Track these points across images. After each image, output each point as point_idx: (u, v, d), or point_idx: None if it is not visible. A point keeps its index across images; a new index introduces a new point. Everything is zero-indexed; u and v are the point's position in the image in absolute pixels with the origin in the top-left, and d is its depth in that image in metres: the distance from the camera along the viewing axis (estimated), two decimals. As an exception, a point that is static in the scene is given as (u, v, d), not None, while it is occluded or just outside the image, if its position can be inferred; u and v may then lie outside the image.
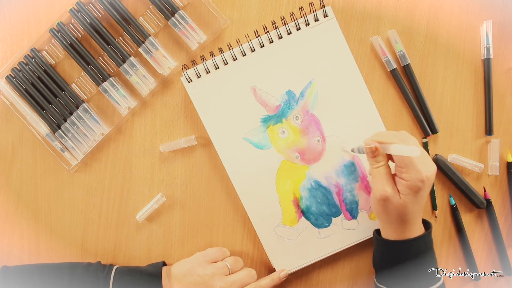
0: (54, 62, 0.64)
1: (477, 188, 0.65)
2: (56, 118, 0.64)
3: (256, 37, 0.62)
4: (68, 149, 0.65)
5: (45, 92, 0.63)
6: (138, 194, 0.66)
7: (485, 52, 0.63)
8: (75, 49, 0.63)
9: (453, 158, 0.64)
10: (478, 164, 0.64)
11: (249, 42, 0.62)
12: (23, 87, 0.63)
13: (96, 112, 0.65)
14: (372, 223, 0.63)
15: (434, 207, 0.65)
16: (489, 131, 0.64)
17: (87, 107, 0.64)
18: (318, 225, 0.64)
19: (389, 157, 0.55)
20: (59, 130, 0.64)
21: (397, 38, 0.63)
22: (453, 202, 0.65)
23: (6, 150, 0.65)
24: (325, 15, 0.62)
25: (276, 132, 0.63)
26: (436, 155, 0.64)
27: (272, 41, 0.63)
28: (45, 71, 0.63)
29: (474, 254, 0.65)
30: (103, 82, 0.63)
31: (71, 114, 0.64)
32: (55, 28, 0.63)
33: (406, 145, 0.51)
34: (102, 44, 0.62)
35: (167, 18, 0.62)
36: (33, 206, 0.66)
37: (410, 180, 0.51)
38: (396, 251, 0.56)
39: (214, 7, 0.63)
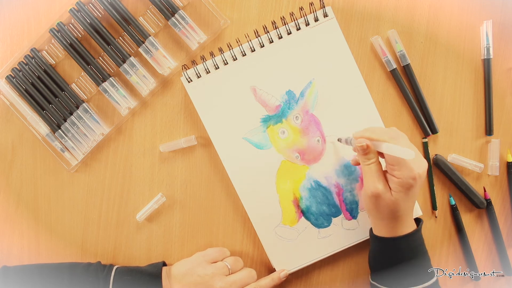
0: (54, 62, 0.64)
1: (477, 188, 0.65)
2: (56, 118, 0.64)
3: (256, 37, 0.62)
4: (68, 149, 0.65)
5: (45, 92, 0.63)
6: (138, 194, 0.66)
7: (485, 52, 0.63)
8: (75, 49, 0.63)
9: (453, 158, 0.64)
10: (478, 164, 0.64)
11: (249, 42, 0.62)
12: (23, 87, 0.63)
13: (96, 112, 0.65)
14: (372, 223, 0.63)
15: (434, 207, 0.65)
16: (489, 131, 0.64)
17: (87, 107, 0.64)
18: (318, 225, 0.64)
19: (380, 154, 0.55)
20: (59, 130, 0.64)
21: (397, 38, 0.63)
22: (453, 202, 0.65)
23: (6, 150, 0.65)
24: (325, 15, 0.62)
25: (276, 132, 0.63)
26: (436, 155, 0.64)
27: (272, 41, 0.63)
28: (45, 71, 0.63)
29: (474, 254, 0.65)
30: (103, 82, 0.63)
31: (71, 114, 0.64)
32: (55, 28, 0.63)
33: (398, 142, 0.51)
34: (102, 44, 0.62)
35: (167, 18, 0.62)
36: (33, 206, 0.66)
37: (401, 178, 0.51)
38: (387, 247, 0.56)
39: (214, 7, 0.63)
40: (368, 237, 0.63)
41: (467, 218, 0.66)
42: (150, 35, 0.63)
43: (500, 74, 0.64)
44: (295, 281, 0.66)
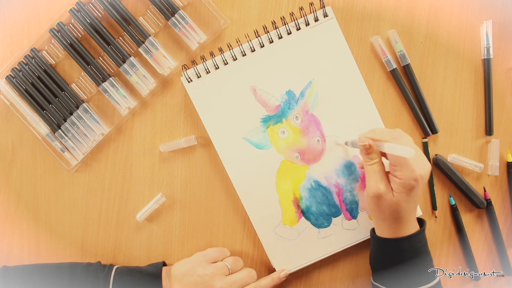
0: (54, 62, 0.64)
1: (477, 188, 0.65)
2: (56, 118, 0.64)
3: (256, 37, 0.62)
4: (68, 149, 0.65)
5: (45, 92, 0.63)
6: (138, 194, 0.66)
7: (485, 52, 0.63)
8: (75, 49, 0.63)
9: (453, 158, 0.64)
10: (478, 164, 0.64)
11: (249, 42, 0.62)
12: (23, 87, 0.63)
13: (96, 112, 0.65)
14: (372, 223, 0.63)
15: (434, 207, 0.65)
16: (489, 131, 0.64)
17: (87, 107, 0.64)
18: (318, 225, 0.64)
19: (383, 154, 0.55)
20: (59, 130, 0.64)
21: (397, 38, 0.63)
22: (453, 202, 0.65)
23: (6, 150, 0.65)
24: (325, 15, 0.62)
25: (276, 132, 0.63)
26: (436, 155, 0.64)
27: (272, 41, 0.62)
28: (45, 71, 0.63)
29: (474, 254, 0.65)
30: (103, 82, 0.63)
31: (71, 114, 0.64)
32: (55, 28, 0.63)
33: (401, 143, 0.51)
34: (102, 44, 0.62)
35: (167, 18, 0.62)
36: (33, 206, 0.66)
37: (403, 179, 0.51)
38: (390, 248, 0.56)
39: (214, 7, 0.63)
40: (369, 237, 0.63)
41: (467, 218, 0.66)
42: (150, 35, 0.63)
43: (500, 74, 0.64)
44: (295, 281, 0.66)
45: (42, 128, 0.64)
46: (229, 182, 0.63)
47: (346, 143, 0.61)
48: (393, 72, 0.63)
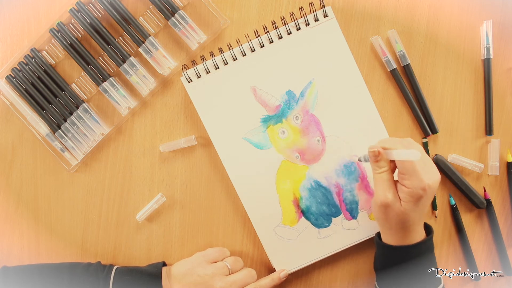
0: (54, 62, 0.64)
1: (477, 188, 0.65)
2: (56, 118, 0.64)
3: (256, 37, 0.62)
4: (68, 149, 0.65)
5: (45, 92, 0.63)
6: (138, 194, 0.65)
7: (485, 52, 0.63)
8: (75, 49, 0.63)
9: (453, 158, 0.64)
10: (478, 164, 0.64)
11: (249, 42, 0.62)
12: (23, 87, 0.63)
13: (96, 112, 0.65)
14: (372, 223, 0.63)
15: (434, 207, 0.65)
16: (489, 131, 0.64)
17: (87, 107, 0.64)
18: (318, 225, 0.64)
19: (394, 167, 0.55)
20: (59, 130, 0.64)
21: (397, 38, 0.63)
22: (453, 202, 0.65)
23: (6, 150, 0.65)
24: (325, 15, 0.62)
25: (276, 132, 0.63)
26: (436, 155, 0.64)
27: (272, 41, 0.62)
28: (45, 71, 0.63)
29: (474, 254, 0.65)
30: (103, 82, 0.63)
31: (71, 114, 0.64)
32: (55, 28, 0.63)
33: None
34: (102, 44, 0.62)
35: (167, 18, 0.62)
36: (33, 206, 0.66)
37: (411, 188, 0.51)
38: (396, 256, 0.56)
39: (214, 7, 0.63)
40: (369, 237, 0.63)
41: (467, 218, 0.66)
42: (150, 35, 0.63)
43: (500, 74, 0.64)
44: (295, 281, 0.66)
45: (42, 128, 0.64)
46: (229, 182, 0.63)
47: (359, 159, 0.60)
48: (393, 72, 0.63)
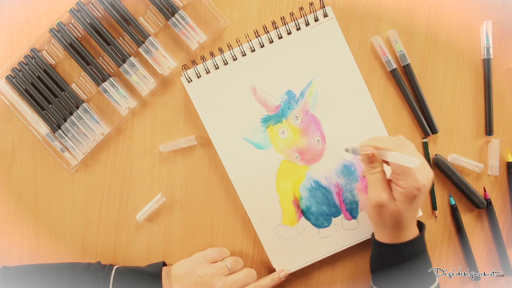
0: (54, 62, 0.64)
1: (477, 188, 0.65)
2: (56, 118, 0.64)
3: (256, 37, 0.62)
4: (68, 149, 0.65)
5: (45, 92, 0.63)
6: (138, 194, 0.66)
7: (485, 52, 0.63)
8: (75, 49, 0.63)
9: (453, 158, 0.64)
10: (478, 164, 0.64)
11: (249, 42, 0.62)
12: (23, 87, 0.63)
13: (96, 112, 0.65)
14: (372, 223, 0.63)
15: (434, 207, 0.65)
16: (489, 131, 0.64)
17: (87, 107, 0.64)
18: (318, 225, 0.64)
19: (385, 162, 0.55)
20: (59, 130, 0.64)
21: (397, 38, 0.63)
22: (453, 202, 0.65)
23: (6, 150, 0.65)
24: (325, 15, 0.62)
25: (276, 132, 0.63)
26: (436, 155, 0.64)
27: (272, 41, 0.62)
28: (45, 71, 0.63)
29: (474, 254, 0.65)
30: (103, 82, 0.63)
31: (71, 114, 0.64)
32: (55, 28, 0.63)
33: (403, 151, 0.51)
34: (102, 44, 0.62)
35: (167, 18, 0.62)
36: (33, 206, 0.66)
37: (406, 188, 0.51)
38: (390, 253, 0.56)
39: (214, 7, 0.63)
40: (368, 238, 0.63)
41: (467, 218, 0.66)
42: (150, 35, 0.63)
43: (500, 74, 0.64)
44: (295, 281, 0.66)
45: (42, 128, 0.64)
46: (229, 182, 0.63)
47: (346, 150, 0.60)
48: (393, 72, 0.63)
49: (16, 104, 0.64)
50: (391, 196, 0.52)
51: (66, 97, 0.64)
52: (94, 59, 0.63)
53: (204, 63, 0.62)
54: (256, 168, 0.63)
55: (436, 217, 0.65)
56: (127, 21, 0.62)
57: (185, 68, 0.62)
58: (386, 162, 0.54)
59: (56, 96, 0.64)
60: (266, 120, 0.63)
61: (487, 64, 0.64)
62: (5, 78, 0.63)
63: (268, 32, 0.62)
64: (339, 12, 0.63)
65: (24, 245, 0.66)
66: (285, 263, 0.64)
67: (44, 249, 0.66)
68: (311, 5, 0.62)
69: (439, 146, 0.65)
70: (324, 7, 0.61)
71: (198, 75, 0.63)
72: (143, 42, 0.63)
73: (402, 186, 0.51)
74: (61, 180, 0.66)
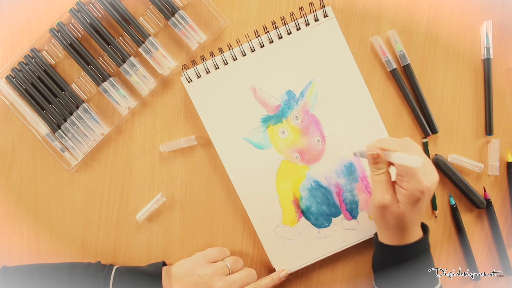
0: (54, 62, 0.64)
1: (477, 188, 0.65)
2: (56, 118, 0.64)
3: (256, 37, 0.62)
4: (68, 149, 0.65)
5: (45, 92, 0.63)
6: (138, 194, 0.66)
7: (485, 52, 0.63)
8: (75, 49, 0.63)
9: (453, 158, 0.64)
10: (478, 164, 0.64)
11: (249, 42, 0.62)
12: (23, 87, 0.63)
13: (96, 112, 0.65)
14: (372, 223, 0.63)
15: (434, 207, 0.65)
16: (489, 131, 0.64)
17: (87, 107, 0.64)
18: (318, 225, 0.64)
19: (391, 164, 0.55)
20: (59, 130, 0.64)
21: (397, 38, 0.63)
22: (453, 202, 0.65)
23: (6, 150, 0.65)
24: (325, 15, 0.62)
25: (276, 132, 0.63)
26: (436, 155, 0.64)
27: (272, 41, 0.63)
28: (45, 71, 0.63)
29: (474, 254, 0.65)
30: (103, 82, 0.63)
31: (71, 114, 0.64)
32: (55, 28, 0.63)
33: (409, 153, 0.50)
34: (102, 44, 0.62)
35: (167, 18, 0.62)
36: (33, 206, 0.66)
37: (410, 190, 0.51)
38: (393, 255, 0.56)
39: (214, 7, 0.63)
40: (369, 237, 0.63)
41: (467, 218, 0.66)
42: (150, 35, 0.63)
43: (500, 74, 0.64)
44: (295, 281, 0.66)
45: (42, 128, 0.64)
46: (229, 182, 0.63)
47: (354, 154, 0.60)
48: (393, 72, 0.63)
49: (16, 104, 0.64)
50: (394, 198, 0.52)
51: (66, 97, 0.64)
52: (94, 59, 0.63)
53: (204, 63, 0.62)
54: (256, 168, 0.63)
55: (436, 217, 0.65)
56: (127, 21, 0.62)
57: (185, 68, 0.62)
58: (393, 165, 0.54)
59: (56, 96, 0.64)
60: (266, 120, 0.63)
61: (487, 64, 0.64)
62: (5, 78, 0.63)
63: (268, 32, 0.62)
64: (339, 12, 0.63)
65: (24, 245, 0.66)
66: (285, 263, 0.64)
67: (44, 249, 0.66)
68: (311, 5, 0.62)
69: (439, 146, 0.65)
70: (324, 7, 0.61)
71: (198, 75, 0.63)
72: (143, 42, 0.63)
73: (405, 188, 0.51)
74: (61, 180, 0.66)
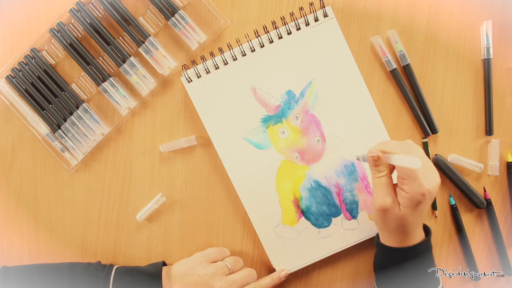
0: (54, 62, 0.64)
1: (477, 188, 0.65)
2: (56, 118, 0.64)
3: (256, 37, 0.62)
4: (68, 149, 0.65)
5: (45, 92, 0.63)
6: (138, 194, 0.66)
7: (485, 52, 0.63)
8: (75, 49, 0.63)
9: (453, 158, 0.64)
10: (478, 164, 0.64)
11: (249, 42, 0.62)
12: (23, 87, 0.63)
13: (96, 112, 0.65)
14: (372, 224, 0.63)
15: (434, 207, 0.65)
16: (489, 131, 0.64)
17: (87, 107, 0.64)
18: (318, 225, 0.64)
19: (393, 168, 0.55)
20: (59, 130, 0.64)
21: (397, 38, 0.63)
22: (453, 202, 0.65)
23: (6, 150, 0.65)
24: (325, 15, 0.62)
25: (276, 132, 0.63)
26: (436, 155, 0.64)
27: (272, 41, 0.63)
28: (45, 71, 0.63)
29: (474, 254, 0.65)
30: (103, 82, 0.63)
31: (71, 114, 0.64)
32: (55, 28, 0.63)
33: (410, 155, 0.50)
34: (102, 44, 0.62)
35: (167, 18, 0.62)
36: (33, 206, 0.66)
37: (410, 193, 0.51)
38: (395, 257, 0.56)
39: (214, 7, 0.63)
40: (369, 237, 0.63)
41: (467, 218, 0.66)
42: (150, 35, 0.63)
43: (500, 74, 0.64)
44: (295, 281, 0.66)
45: (42, 128, 0.64)
46: (229, 182, 0.63)
47: (357, 158, 0.60)
48: (393, 72, 0.63)
49: (16, 104, 0.64)
50: (395, 201, 0.52)
51: (66, 97, 0.64)
52: (94, 59, 0.63)
53: (204, 63, 0.62)
54: (256, 168, 0.63)
55: (436, 217, 0.65)
56: (127, 21, 0.62)
57: (185, 68, 0.62)
58: (393, 167, 0.54)
59: (56, 96, 0.64)
60: (266, 120, 0.63)
61: (487, 64, 0.64)
62: (5, 78, 0.63)
63: (268, 32, 0.62)
64: (339, 12, 0.63)
65: (24, 245, 0.66)
66: (285, 263, 0.64)
67: (44, 249, 0.66)
68: (311, 5, 0.62)
69: (439, 146, 0.65)
70: (324, 7, 0.61)
71: (198, 75, 0.63)
72: (143, 42, 0.63)
73: (406, 191, 0.51)
74: (61, 180, 0.66)
